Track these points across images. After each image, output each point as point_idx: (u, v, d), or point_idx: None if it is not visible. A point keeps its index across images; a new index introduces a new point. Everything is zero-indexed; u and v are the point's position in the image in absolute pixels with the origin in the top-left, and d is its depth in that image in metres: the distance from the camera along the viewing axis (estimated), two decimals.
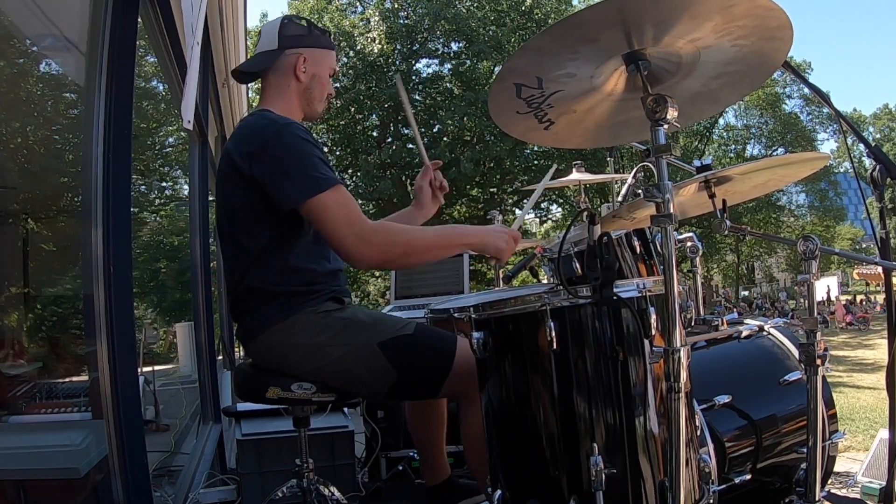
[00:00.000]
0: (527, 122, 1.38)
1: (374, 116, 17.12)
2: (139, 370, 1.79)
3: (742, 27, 1.15)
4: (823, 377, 1.50)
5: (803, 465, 1.59)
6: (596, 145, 1.65)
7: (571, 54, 1.20)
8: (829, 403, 1.88)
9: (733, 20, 1.13)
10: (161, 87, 3.24)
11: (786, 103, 24.29)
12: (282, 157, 1.53)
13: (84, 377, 1.74)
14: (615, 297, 1.24)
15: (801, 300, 1.55)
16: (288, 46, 1.73)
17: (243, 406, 2.58)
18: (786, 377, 1.83)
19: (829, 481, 2.29)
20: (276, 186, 1.53)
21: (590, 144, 1.59)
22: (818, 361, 1.46)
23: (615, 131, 1.50)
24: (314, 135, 1.81)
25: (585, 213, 1.35)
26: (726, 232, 1.43)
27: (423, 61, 18.24)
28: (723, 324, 1.78)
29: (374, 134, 17.58)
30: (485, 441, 1.47)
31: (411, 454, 2.65)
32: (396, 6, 17.32)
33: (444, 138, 16.99)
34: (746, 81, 1.35)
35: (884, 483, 1.62)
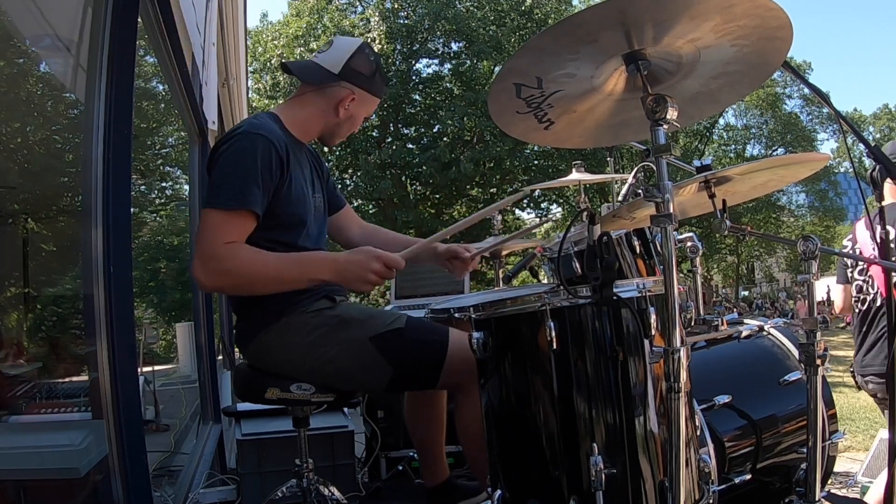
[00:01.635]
0: (527, 122, 1.38)
1: (373, 117, 17.10)
2: (139, 370, 1.79)
3: (742, 27, 1.15)
4: (823, 377, 1.50)
5: (803, 465, 1.59)
6: (596, 145, 1.64)
7: (571, 54, 1.20)
8: (829, 403, 1.88)
9: (733, 20, 1.13)
10: (161, 88, 3.24)
11: (786, 103, 24.32)
12: (222, 160, 1.54)
13: (84, 377, 1.74)
14: (615, 297, 1.24)
15: (801, 300, 1.55)
16: (346, 79, 1.69)
17: (243, 406, 2.58)
18: (786, 377, 1.83)
19: (829, 481, 2.29)
20: (209, 184, 1.55)
21: (590, 144, 1.59)
22: (818, 361, 1.45)
23: (615, 131, 1.50)
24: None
25: (585, 213, 1.35)
26: (726, 232, 1.43)
27: (423, 61, 18.25)
28: (723, 324, 1.78)
29: (374, 134, 17.58)
30: (483, 434, 1.47)
31: (411, 454, 2.65)
32: (396, 6, 17.32)
33: (444, 138, 16.99)
34: (746, 81, 1.35)
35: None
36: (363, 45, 1.75)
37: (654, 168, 1.21)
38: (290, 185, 1.61)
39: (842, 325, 19.51)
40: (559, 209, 19.87)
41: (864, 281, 2.37)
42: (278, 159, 1.55)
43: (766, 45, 1.22)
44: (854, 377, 2.35)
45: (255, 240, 1.54)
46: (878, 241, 1.63)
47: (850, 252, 2.42)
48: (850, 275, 2.45)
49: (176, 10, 2.31)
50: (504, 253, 2.72)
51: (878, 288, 2.29)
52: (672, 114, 1.18)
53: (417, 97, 17.80)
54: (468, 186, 17.37)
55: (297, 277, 1.54)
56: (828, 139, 26.61)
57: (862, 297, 2.37)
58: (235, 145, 1.54)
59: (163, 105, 3.72)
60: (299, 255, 1.58)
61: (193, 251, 1.51)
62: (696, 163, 1.45)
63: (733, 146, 24.79)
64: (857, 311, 2.41)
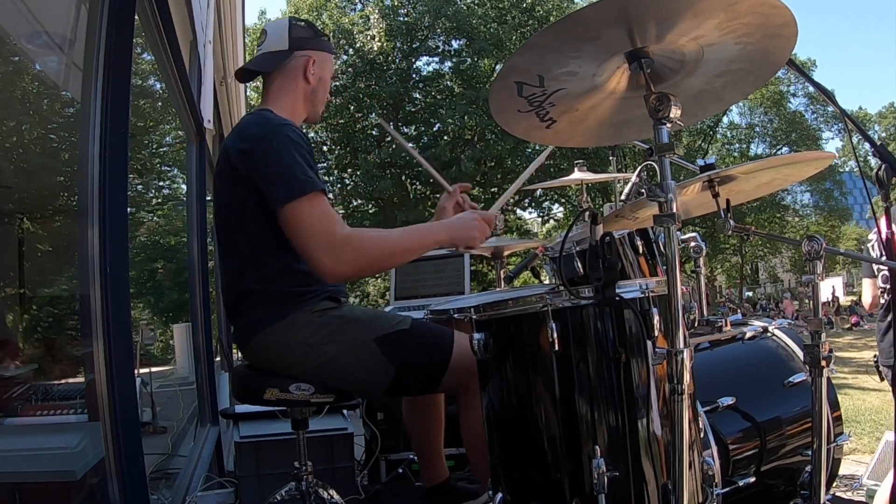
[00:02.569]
0: (528, 121, 1.36)
1: (373, 115, 17.10)
2: (136, 372, 1.78)
3: (746, 24, 1.13)
4: (828, 379, 1.49)
5: (808, 468, 1.58)
6: (598, 144, 1.63)
7: (573, 52, 1.18)
8: (834, 405, 1.87)
9: (737, 17, 1.11)
10: (158, 86, 3.22)
11: (790, 102, 24.25)
12: (272, 155, 1.53)
13: (80, 379, 1.72)
14: (618, 298, 1.23)
15: (806, 301, 1.53)
16: (298, 48, 1.74)
17: (241, 408, 2.56)
18: (790, 379, 1.82)
19: (834, 484, 2.28)
20: (268, 185, 1.52)
21: (592, 143, 1.58)
22: (823, 363, 1.44)
23: (618, 130, 1.49)
24: (312, 133, 1.80)
25: (587, 213, 1.33)
26: (730, 232, 1.42)
27: (424, 59, 18.24)
28: (726, 325, 1.76)
29: (374, 133, 17.57)
30: (486, 438, 1.46)
31: (411, 457, 2.63)
32: (396, 4, 17.30)
33: (445, 137, 16.99)
34: (750, 80, 1.34)
35: None
36: (291, 18, 1.82)
37: (657, 167, 1.20)
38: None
39: (847, 326, 19.47)
40: (561, 209, 19.87)
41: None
42: (305, 140, 1.59)
43: (770, 43, 1.20)
44: (877, 368, 2.32)
45: (272, 229, 1.53)
46: (884, 240, 1.62)
47: (870, 250, 2.40)
48: (875, 268, 2.43)
49: (174, 8, 2.30)
50: (505, 253, 2.71)
51: None
52: (675, 112, 1.17)
53: (418, 95, 17.79)
54: (469, 186, 17.36)
55: (422, 242, 1.60)
56: (832, 138, 26.48)
57: (888, 286, 2.35)
58: (274, 139, 1.54)
59: (160, 104, 3.71)
60: (413, 227, 1.66)
61: (309, 249, 1.48)
62: (700, 162, 1.44)
63: (737, 145, 24.75)
64: (883, 301, 2.39)
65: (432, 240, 1.61)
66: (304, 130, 1.85)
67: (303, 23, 1.79)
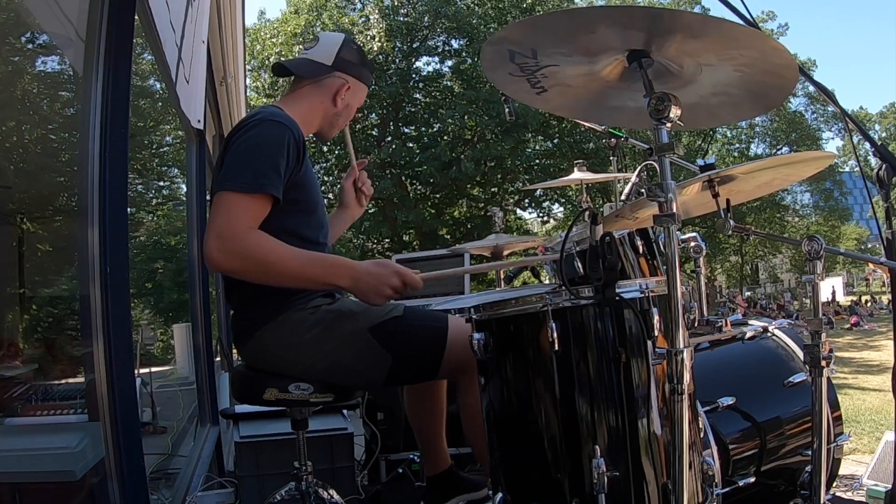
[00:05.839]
0: (519, 85, 1.35)
1: (373, 115, 17.08)
2: (136, 372, 1.78)
3: (745, 56, 1.15)
4: (828, 379, 1.49)
5: (808, 468, 1.58)
6: (586, 119, 1.63)
7: (570, 38, 1.18)
8: (834, 405, 1.87)
9: (738, 48, 1.13)
10: (158, 86, 3.22)
11: (790, 102, 24.20)
12: (242, 143, 1.53)
13: (80, 379, 1.73)
14: (618, 298, 1.23)
15: (806, 301, 1.53)
16: (340, 69, 1.74)
17: (241, 408, 2.56)
18: (790, 379, 1.82)
19: (834, 484, 2.27)
20: (224, 168, 1.52)
21: (580, 117, 1.58)
22: (823, 363, 1.44)
23: (609, 114, 1.50)
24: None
25: (587, 213, 1.33)
26: (730, 232, 1.42)
27: (424, 59, 18.20)
28: (726, 325, 1.76)
29: (374, 133, 17.55)
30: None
31: (411, 457, 2.63)
32: (396, 3, 17.28)
33: (445, 137, 16.96)
34: (746, 107, 1.36)
35: (889, 486, 1.61)
36: (347, 37, 1.81)
37: (658, 167, 1.20)
38: (306, 171, 1.63)
39: (847, 326, 19.46)
40: (561, 209, 19.85)
41: None
42: (295, 145, 1.56)
43: (769, 79, 1.23)
44: None
45: (267, 227, 1.52)
46: (884, 240, 1.62)
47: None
48: None
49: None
50: (505, 253, 2.71)
51: None
52: (675, 112, 1.17)
53: (418, 95, 17.76)
54: (469, 186, 17.34)
55: (314, 277, 1.52)
56: (833, 138, 26.43)
57: None
58: (253, 130, 1.55)
59: (160, 103, 3.71)
60: (322, 255, 1.57)
61: (207, 231, 1.47)
62: (700, 162, 1.44)
63: (737, 145, 24.72)
64: None
65: (329, 281, 1.52)
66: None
67: (355, 46, 1.79)
